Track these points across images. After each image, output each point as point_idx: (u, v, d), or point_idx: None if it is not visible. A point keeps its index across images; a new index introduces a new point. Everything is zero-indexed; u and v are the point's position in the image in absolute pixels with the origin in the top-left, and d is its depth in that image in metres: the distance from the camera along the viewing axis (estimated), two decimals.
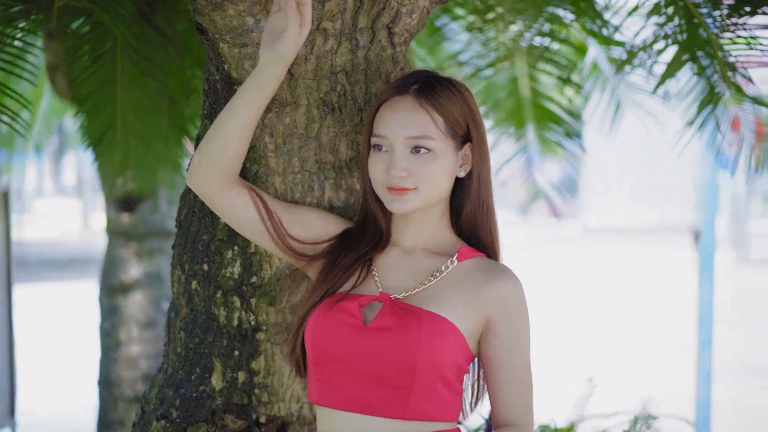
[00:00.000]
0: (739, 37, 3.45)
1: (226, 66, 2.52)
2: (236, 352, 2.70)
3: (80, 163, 30.29)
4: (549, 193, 5.00)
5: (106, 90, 4.00)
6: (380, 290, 2.38)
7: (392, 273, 2.42)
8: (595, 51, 4.44)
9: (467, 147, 2.40)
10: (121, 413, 5.69)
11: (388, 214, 2.48)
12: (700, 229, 19.04)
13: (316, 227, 2.51)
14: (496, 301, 2.35)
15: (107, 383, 5.76)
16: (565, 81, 4.37)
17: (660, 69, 4.11)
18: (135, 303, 5.79)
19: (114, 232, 5.91)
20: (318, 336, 2.35)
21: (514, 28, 4.05)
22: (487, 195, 2.47)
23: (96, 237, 25.51)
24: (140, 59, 3.91)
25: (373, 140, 2.37)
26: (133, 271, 5.82)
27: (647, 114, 4.48)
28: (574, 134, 4.56)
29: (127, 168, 4.27)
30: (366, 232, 2.47)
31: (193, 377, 2.74)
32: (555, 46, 4.29)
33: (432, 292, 2.36)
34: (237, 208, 2.45)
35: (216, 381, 2.72)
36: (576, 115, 4.52)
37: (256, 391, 2.72)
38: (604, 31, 3.86)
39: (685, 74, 4.06)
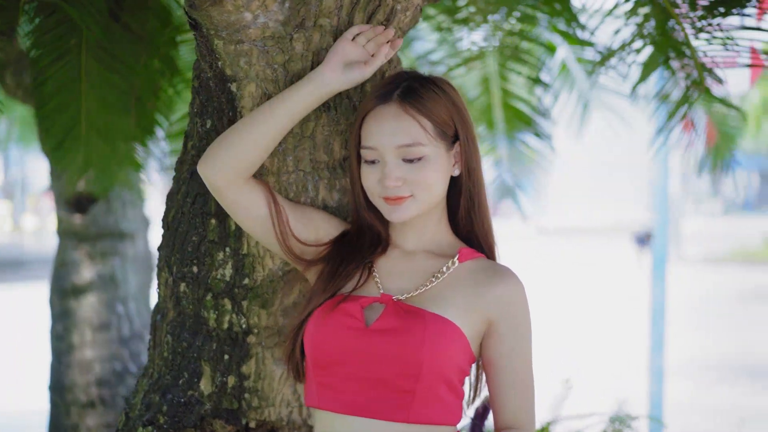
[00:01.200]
0: (714, 38, 3.46)
1: (220, 63, 2.45)
2: (226, 356, 2.64)
3: (8, 164, 29.79)
4: (517, 193, 5.00)
5: (71, 88, 3.90)
6: (381, 292, 2.34)
7: (393, 275, 2.38)
8: (563, 51, 4.45)
9: (457, 145, 2.37)
10: (74, 419, 5.55)
11: (385, 221, 2.43)
12: (642, 231, 19.23)
13: (319, 228, 2.46)
14: (499, 302, 2.32)
15: (59, 388, 5.62)
16: (535, 81, 4.37)
17: (629, 70, 4.13)
18: (88, 306, 5.65)
19: (65, 233, 5.77)
20: (319, 338, 2.30)
21: (487, 26, 4.04)
22: (479, 191, 2.44)
23: (26, 238, 25.10)
24: (106, 57, 3.82)
25: (363, 153, 2.32)
26: (86, 273, 5.68)
27: (615, 115, 4.50)
28: (543, 135, 4.56)
29: (89, 168, 4.17)
30: (364, 238, 2.43)
31: (180, 382, 2.67)
32: (525, 45, 4.28)
33: (434, 293, 2.32)
34: (247, 204, 2.39)
35: (205, 385, 2.65)
36: (545, 114, 4.51)
37: (246, 395, 2.66)
38: (579, 33, 3.86)
39: (655, 77, 4.09)
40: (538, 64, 4.38)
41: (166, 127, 4.50)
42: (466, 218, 2.44)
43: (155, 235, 6.98)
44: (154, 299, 6.01)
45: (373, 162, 2.31)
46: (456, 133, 2.35)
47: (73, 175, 4.33)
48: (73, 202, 5.74)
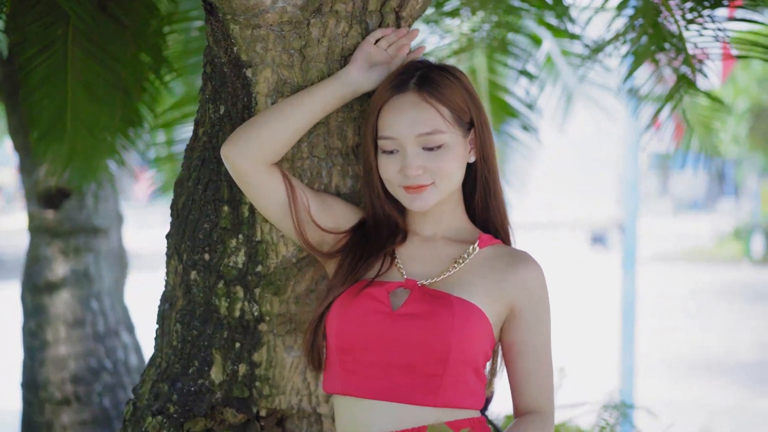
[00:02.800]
0: (705, 29, 3.50)
1: (235, 48, 2.44)
2: (237, 344, 2.62)
3: None
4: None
5: (57, 79, 3.86)
6: (406, 277, 2.34)
7: (416, 261, 2.39)
8: (548, 44, 4.47)
9: (472, 132, 2.38)
10: (48, 416, 5.47)
11: (402, 210, 2.44)
12: (598, 230, 19.35)
13: (338, 216, 2.46)
14: (521, 287, 2.33)
15: (33, 385, 5.54)
16: (522, 72, 4.39)
17: (614, 63, 4.16)
18: (62, 302, 5.58)
19: (37, 229, 5.68)
20: (344, 324, 2.30)
21: (476, 18, 4.05)
22: (494, 177, 2.45)
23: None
24: (93, 48, 3.78)
25: (381, 143, 2.33)
26: (59, 269, 5.61)
27: (598, 108, 4.54)
28: (530, 127, 4.59)
29: (72, 159, 4.12)
30: (381, 229, 2.43)
31: (190, 371, 2.65)
32: (511, 36, 4.30)
33: (457, 278, 2.33)
34: (268, 190, 2.38)
35: (216, 374, 2.64)
36: (531, 106, 4.54)
37: (257, 383, 2.64)
38: (570, 27, 3.88)
39: (636, 73, 4.13)
40: (525, 56, 4.40)
41: (151, 119, 4.45)
42: (482, 204, 2.45)
43: (128, 231, 6.92)
44: (128, 295, 5.99)
45: (391, 152, 2.31)
46: (471, 120, 2.36)
47: (56, 167, 4.27)
48: (45, 198, 5.67)
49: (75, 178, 4.48)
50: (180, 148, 5.86)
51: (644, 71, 4.10)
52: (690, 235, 27.71)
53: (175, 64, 4.22)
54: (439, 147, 2.29)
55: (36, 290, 5.64)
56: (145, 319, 5.82)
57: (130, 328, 5.80)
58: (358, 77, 2.38)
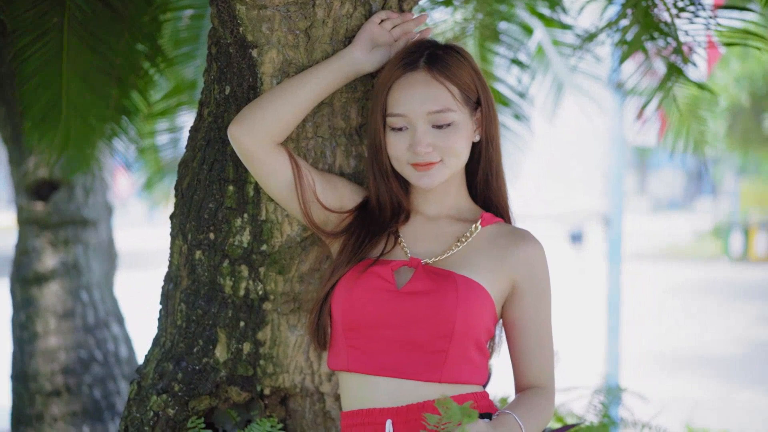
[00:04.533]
0: (696, 17, 3.55)
1: (241, 29, 2.47)
2: (242, 323, 2.65)
3: None
4: None
5: (52, 67, 3.87)
6: (410, 256, 2.38)
7: (419, 240, 2.42)
8: (540, 34, 4.52)
9: (479, 111, 2.42)
10: (38, 408, 5.47)
11: (407, 189, 2.47)
12: (576, 229, 19.34)
13: (343, 195, 2.49)
14: (523, 265, 2.37)
15: (23, 377, 5.54)
16: (513, 61, 4.43)
17: (605, 52, 4.20)
18: (51, 294, 5.58)
19: (26, 221, 5.68)
20: (350, 301, 2.33)
21: (469, 8, 4.09)
22: (497, 156, 2.49)
23: None
24: (88, 36, 3.79)
25: (391, 121, 2.36)
26: (49, 261, 5.60)
27: (588, 98, 4.58)
28: (522, 116, 4.63)
29: (66, 147, 4.13)
30: (385, 209, 2.46)
31: (195, 350, 2.67)
32: (503, 25, 4.34)
33: (460, 257, 2.37)
34: (274, 169, 2.41)
35: (220, 353, 2.66)
36: (523, 95, 4.58)
37: (262, 362, 2.67)
38: (563, 17, 3.92)
39: (630, 64, 4.17)
40: (517, 46, 4.44)
41: (144, 109, 4.47)
42: (484, 184, 2.49)
43: (118, 223, 6.92)
44: (118, 287, 6.00)
45: (400, 129, 2.34)
46: (478, 99, 2.40)
47: (49, 155, 4.28)
48: (34, 190, 5.67)
49: (68, 166, 4.48)
50: (162, 140, 5.88)
51: (632, 65, 4.14)
52: (668, 233, 27.87)
53: (169, 53, 4.23)
54: (448, 125, 2.32)
55: (25, 282, 5.64)
56: (129, 314, 5.86)
57: (120, 320, 5.80)
58: (360, 57, 2.41)
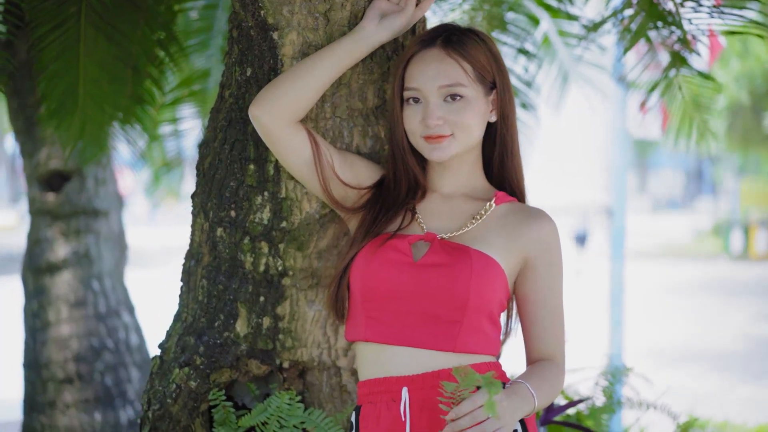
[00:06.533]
0: (700, 5, 3.62)
1: (262, 12, 2.56)
2: (261, 298, 2.73)
3: None
4: None
5: (69, 56, 3.95)
6: (426, 231, 2.46)
7: (435, 216, 2.51)
8: (546, 25, 4.60)
9: (494, 93, 2.50)
10: (51, 395, 5.56)
11: (423, 165, 2.55)
12: (580, 230, 19.29)
13: (361, 173, 2.58)
14: (535, 241, 2.45)
15: (35, 365, 5.62)
16: (520, 51, 4.52)
17: (609, 42, 4.28)
18: (63, 283, 5.67)
19: (38, 212, 5.78)
20: (368, 273, 2.41)
21: None
22: (513, 138, 2.57)
23: None
24: (105, 25, 3.88)
25: (406, 94, 2.45)
26: (61, 250, 5.69)
27: (594, 88, 4.66)
28: (529, 105, 4.72)
29: (83, 136, 4.21)
30: (401, 184, 2.55)
31: (216, 324, 2.76)
32: (511, 15, 4.43)
33: (475, 233, 2.45)
34: (294, 146, 2.50)
35: (241, 327, 2.75)
36: (530, 85, 4.66)
37: (281, 336, 2.75)
38: (569, 8, 4.00)
39: (634, 56, 4.25)
40: (524, 35, 4.53)
41: (158, 98, 4.55)
42: (499, 164, 2.57)
43: (128, 214, 6.98)
44: (128, 277, 6.08)
45: (415, 103, 2.43)
46: (494, 81, 2.48)
47: (66, 142, 4.37)
48: (46, 181, 5.76)
49: (83, 154, 4.56)
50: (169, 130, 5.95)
51: (636, 57, 4.22)
52: (669, 232, 27.94)
53: (184, 42, 4.31)
54: (459, 98, 2.41)
55: (37, 271, 5.73)
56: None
57: (131, 309, 5.89)
58: (371, 28, 2.49)
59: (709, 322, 13.10)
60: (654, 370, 9.56)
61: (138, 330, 5.87)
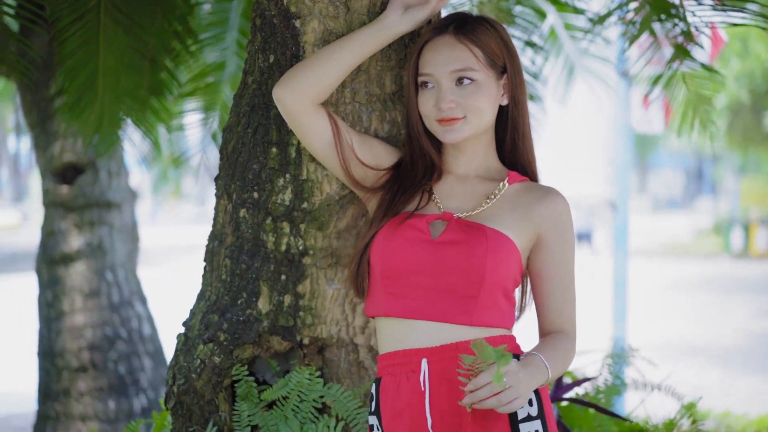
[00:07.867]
0: None
1: (285, 1, 2.67)
2: (283, 276, 2.84)
3: None
4: None
5: (89, 48, 4.06)
6: (443, 210, 2.57)
7: (451, 197, 2.62)
8: (552, 18, 4.71)
9: (506, 77, 2.61)
10: (65, 383, 5.67)
11: (438, 147, 2.66)
12: (584, 229, 19.30)
13: (379, 155, 2.69)
14: (547, 218, 2.56)
15: (50, 354, 5.74)
16: (528, 43, 4.63)
17: (614, 34, 4.38)
18: (77, 273, 5.78)
19: (52, 204, 5.89)
20: (388, 251, 2.52)
21: None
22: (524, 121, 2.68)
23: None
24: (123, 18, 3.99)
25: (420, 79, 2.57)
26: (74, 242, 5.81)
27: (599, 81, 4.77)
28: (535, 97, 4.82)
29: (101, 126, 4.32)
30: (417, 167, 2.66)
31: (239, 302, 2.86)
32: (518, 8, 4.55)
33: (490, 212, 2.56)
34: (316, 128, 2.61)
35: (263, 304, 2.85)
36: (536, 76, 4.77)
37: (301, 313, 2.86)
38: (576, 2, 4.11)
39: (636, 50, 4.34)
40: (531, 28, 4.64)
41: (175, 90, 4.66)
42: (512, 146, 2.68)
43: (141, 206, 7.08)
44: (141, 268, 6.19)
45: (429, 88, 2.54)
46: (505, 66, 2.59)
47: (84, 133, 4.47)
48: (60, 174, 5.87)
49: (101, 145, 4.66)
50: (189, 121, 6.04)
51: (639, 53, 4.32)
52: (669, 231, 28.03)
53: (201, 35, 4.42)
54: (471, 82, 2.52)
55: (52, 262, 5.84)
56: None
57: (143, 299, 6.01)
58: (394, 19, 2.61)
59: (710, 318, 13.21)
60: (655, 363, 9.67)
61: (150, 320, 5.98)
